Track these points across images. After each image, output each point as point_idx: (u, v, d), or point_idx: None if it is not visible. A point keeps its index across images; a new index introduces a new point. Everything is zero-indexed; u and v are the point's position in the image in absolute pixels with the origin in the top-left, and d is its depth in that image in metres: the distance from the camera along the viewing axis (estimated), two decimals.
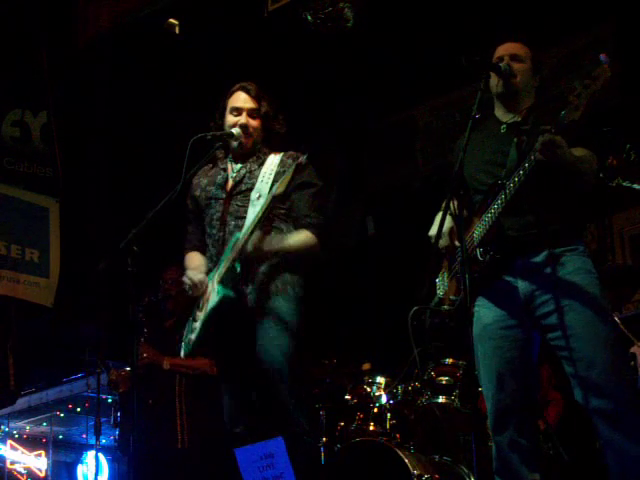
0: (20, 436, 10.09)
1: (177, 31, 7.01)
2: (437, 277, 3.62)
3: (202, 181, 3.91)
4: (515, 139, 3.39)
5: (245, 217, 3.68)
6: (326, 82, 6.83)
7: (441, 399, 4.84)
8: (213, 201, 3.81)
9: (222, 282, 3.62)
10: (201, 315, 3.69)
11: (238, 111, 3.84)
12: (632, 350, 4.66)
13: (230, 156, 3.91)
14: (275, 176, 3.71)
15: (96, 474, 6.60)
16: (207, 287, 3.71)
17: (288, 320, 3.65)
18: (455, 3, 6.04)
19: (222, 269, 3.63)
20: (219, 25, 6.63)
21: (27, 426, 9.94)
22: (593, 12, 5.96)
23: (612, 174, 5.16)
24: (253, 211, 3.66)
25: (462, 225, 3.16)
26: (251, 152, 3.86)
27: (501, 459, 3.41)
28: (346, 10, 5.92)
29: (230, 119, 3.85)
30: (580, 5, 5.88)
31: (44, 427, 9.87)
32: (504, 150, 3.43)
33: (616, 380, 3.21)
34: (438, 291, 3.61)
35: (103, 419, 6.05)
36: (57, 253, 6.71)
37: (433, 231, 3.48)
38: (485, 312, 3.44)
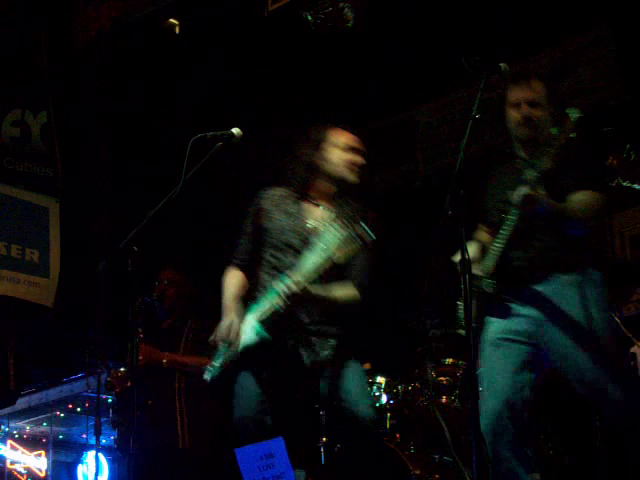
0: (20, 436, 10.07)
1: (177, 31, 7.02)
2: (459, 301, 3.62)
3: (275, 215, 3.79)
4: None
5: None
6: (326, 82, 6.83)
7: (441, 399, 4.84)
8: (287, 247, 3.75)
9: (262, 322, 3.63)
10: (232, 346, 3.69)
11: (352, 150, 3.82)
12: (632, 350, 4.66)
13: (325, 192, 3.83)
14: (345, 233, 3.64)
15: (96, 474, 6.58)
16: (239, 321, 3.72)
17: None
18: (455, 3, 6.04)
19: (265, 308, 3.63)
20: (219, 25, 6.63)
21: (27, 426, 9.92)
22: (593, 12, 5.96)
23: (612, 174, 5.16)
24: (312, 259, 3.60)
25: (463, 226, 3.16)
26: (343, 194, 3.81)
27: (497, 463, 3.42)
28: (346, 10, 5.92)
29: (342, 154, 3.80)
30: (580, 5, 5.88)
31: (44, 427, 9.85)
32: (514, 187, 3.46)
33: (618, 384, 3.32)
34: (458, 314, 3.61)
35: (103, 419, 6.04)
36: (57, 253, 6.71)
37: (457, 258, 3.54)
38: (490, 325, 3.55)
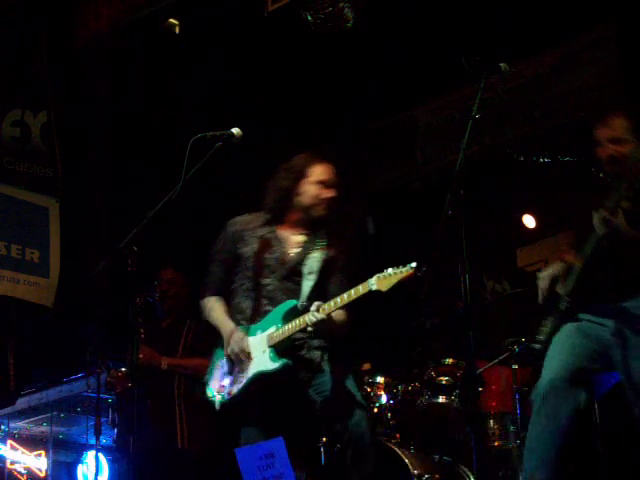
0: (20, 436, 10.06)
1: (177, 31, 7.02)
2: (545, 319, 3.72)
3: (250, 240, 3.92)
4: None
5: (294, 298, 3.79)
6: (326, 82, 6.83)
7: (441, 399, 4.84)
8: (266, 271, 3.86)
9: (276, 348, 3.69)
10: (246, 372, 3.72)
11: (324, 184, 3.92)
12: None
13: (300, 221, 3.95)
14: (324, 259, 3.85)
15: (96, 474, 6.58)
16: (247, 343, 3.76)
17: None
18: (455, 3, 6.04)
19: (278, 335, 3.70)
20: (219, 25, 6.62)
21: (27, 426, 9.92)
22: (593, 11, 5.95)
23: None
24: (307, 284, 3.80)
25: (463, 224, 3.17)
26: (317, 225, 3.94)
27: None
28: (346, 10, 5.92)
29: (314, 189, 3.91)
30: (581, 5, 5.88)
31: (44, 427, 9.83)
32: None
33: None
34: (539, 334, 3.69)
35: (103, 419, 6.04)
36: (57, 253, 6.71)
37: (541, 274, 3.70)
38: (564, 326, 3.62)
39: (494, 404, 5.08)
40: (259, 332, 3.77)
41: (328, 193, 3.91)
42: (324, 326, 3.64)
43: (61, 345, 7.40)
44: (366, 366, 5.53)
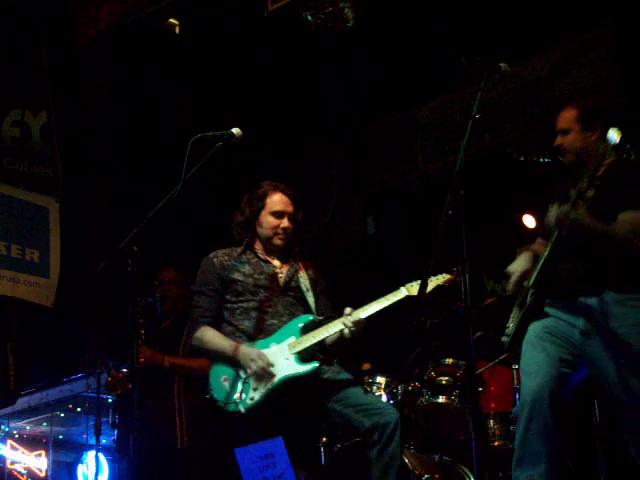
0: (20, 436, 10.07)
1: (177, 31, 7.03)
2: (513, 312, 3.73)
3: (238, 266, 4.00)
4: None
5: (295, 311, 3.95)
6: (326, 82, 6.83)
7: (441, 399, 4.84)
8: (262, 290, 3.96)
9: (300, 354, 3.80)
10: (269, 379, 3.76)
11: (280, 215, 4.01)
12: None
13: (265, 249, 4.08)
14: (310, 279, 4.04)
15: (96, 474, 6.58)
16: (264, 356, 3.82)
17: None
18: (456, 3, 6.04)
19: (301, 342, 3.81)
20: (219, 25, 6.63)
21: (27, 426, 9.92)
22: (593, 12, 5.96)
23: None
24: (311, 300, 3.99)
25: (463, 224, 3.17)
26: (284, 252, 4.06)
27: (524, 445, 3.53)
28: (346, 10, 5.93)
29: (272, 221, 4.01)
30: (580, 5, 5.88)
31: (44, 427, 9.85)
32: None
33: None
34: (509, 326, 3.69)
35: (103, 419, 6.04)
36: (57, 253, 6.71)
37: (511, 268, 3.70)
38: (534, 324, 3.62)
39: (494, 404, 5.08)
40: (274, 344, 3.84)
41: (284, 223, 4.00)
42: (361, 329, 3.76)
43: (61, 345, 7.41)
44: (366, 366, 5.53)
